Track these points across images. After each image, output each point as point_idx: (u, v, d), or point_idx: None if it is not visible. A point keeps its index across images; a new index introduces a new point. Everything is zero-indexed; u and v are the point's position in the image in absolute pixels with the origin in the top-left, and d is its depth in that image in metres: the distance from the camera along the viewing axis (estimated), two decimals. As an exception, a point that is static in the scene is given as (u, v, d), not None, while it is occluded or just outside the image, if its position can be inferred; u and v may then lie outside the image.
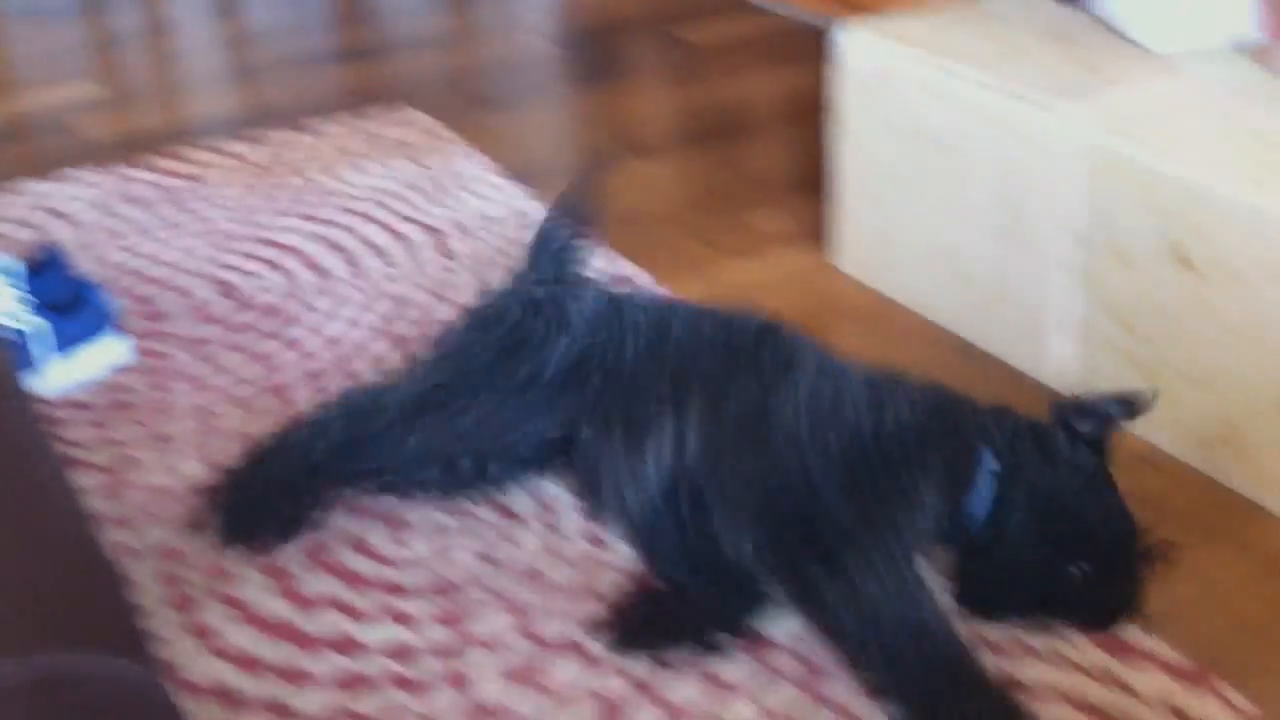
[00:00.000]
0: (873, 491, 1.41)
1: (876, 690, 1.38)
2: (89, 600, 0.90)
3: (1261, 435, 1.68)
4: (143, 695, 0.81)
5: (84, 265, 2.19)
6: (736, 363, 1.57)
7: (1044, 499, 1.43)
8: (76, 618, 0.86)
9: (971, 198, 1.98)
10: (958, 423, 1.47)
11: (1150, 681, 1.43)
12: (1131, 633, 1.48)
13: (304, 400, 1.88)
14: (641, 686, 1.41)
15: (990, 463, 1.44)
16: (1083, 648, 1.47)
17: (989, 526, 1.43)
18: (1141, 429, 1.82)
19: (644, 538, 1.55)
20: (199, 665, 1.43)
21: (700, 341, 1.60)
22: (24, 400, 1.13)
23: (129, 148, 2.65)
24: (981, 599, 1.46)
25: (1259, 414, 1.67)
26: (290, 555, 1.58)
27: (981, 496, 1.44)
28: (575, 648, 1.46)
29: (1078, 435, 1.44)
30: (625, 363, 1.59)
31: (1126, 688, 1.42)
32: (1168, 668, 1.45)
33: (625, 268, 2.22)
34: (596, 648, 1.46)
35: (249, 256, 2.25)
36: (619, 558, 1.58)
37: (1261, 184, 1.64)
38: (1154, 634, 1.48)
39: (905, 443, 1.44)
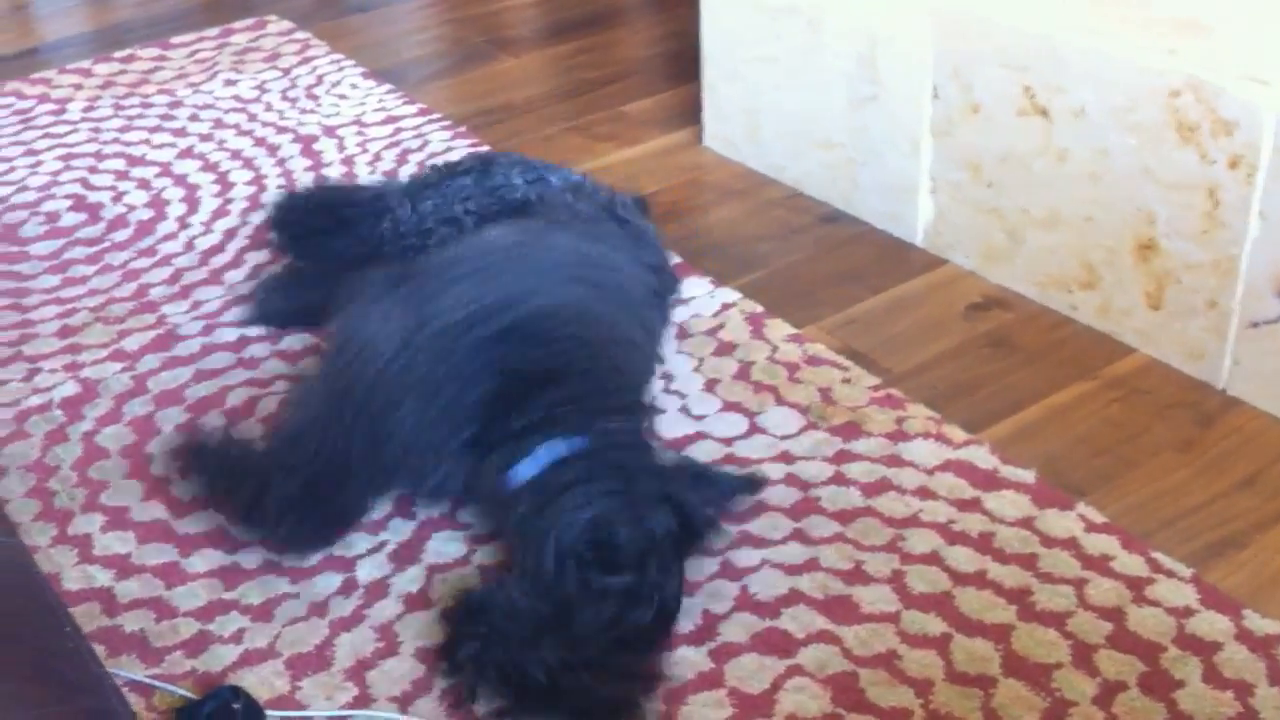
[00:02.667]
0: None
1: None
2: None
3: (1120, 275, 1.73)
4: (4, 555, 0.82)
5: (-58, 195, 2.15)
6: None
7: (605, 518, 1.29)
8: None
9: (831, 67, 1.99)
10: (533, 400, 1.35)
11: (1010, 505, 1.48)
12: (983, 458, 1.54)
13: (176, 314, 1.86)
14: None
15: (560, 447, 1.32)
16: (940, 478, 1.52)
17: (527, 490, 1.33)
18: (995, 274, 1.87)
19: None
20: (76, 574, 1.43)
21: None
22: None
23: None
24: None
25: (1118, 256, 1.72)
26: (165, 463, 1.58)
27: (531, 463, 1.33)
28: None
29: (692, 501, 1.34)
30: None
31: (989, 513, 1.47)
32: (1026, 489, 1.50)
33: (497, 161, 2.21)
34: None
35: (118, 176, 2.21)
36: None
37: (1102, 30, 1.67)
38: (1006, 459, 1.53)
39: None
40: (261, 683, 1.30)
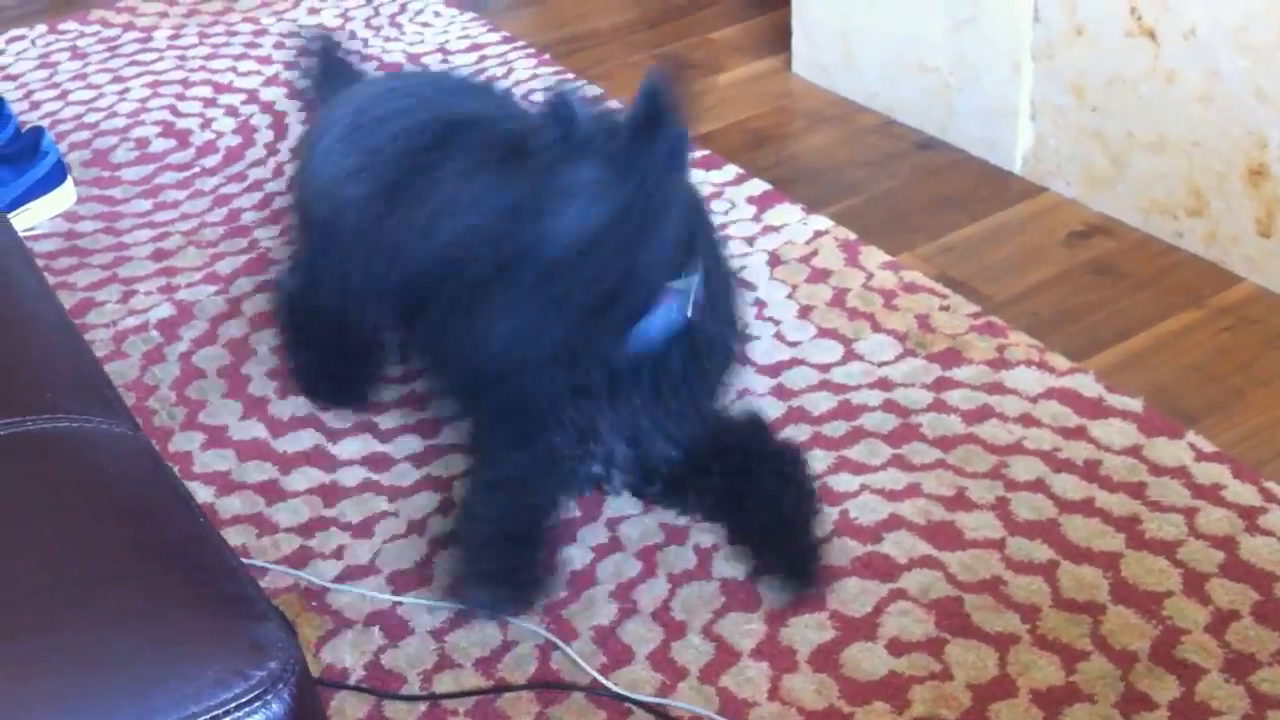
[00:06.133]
0: None
1: None
2: (81, 377, 0.91)
3: (1229, 201, 1.67)
4: (133, 448, 0.83)
5: (30, 119, 2.16)
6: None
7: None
8: (72, 394, 0.86)
9: (928, -13, 1.95)
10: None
11: (1117, 433, 1.45)
12: (1088, 386, 1.50)
13: (267, 238, 1.87)
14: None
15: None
16: (1043, 406, 1.49)
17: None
18: (1098, 201, 1.82)
19: None
20: (178, 490, 1.44)
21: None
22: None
23: (63, 2, 2.58)
24: None
25: (1227, 181, 1.67)
26: (261, 384, 1.59)
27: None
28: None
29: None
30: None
31: (1095, 441, 1.44)
32: (1133, 417, 1.47)
33: (587, 90, 2.18)
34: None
35: (205, 103, 2.22)
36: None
37: (1218, -58, 1.61)
38: (1112, 387, 1.50)
39: None
40: (362, 598, 1.30)
